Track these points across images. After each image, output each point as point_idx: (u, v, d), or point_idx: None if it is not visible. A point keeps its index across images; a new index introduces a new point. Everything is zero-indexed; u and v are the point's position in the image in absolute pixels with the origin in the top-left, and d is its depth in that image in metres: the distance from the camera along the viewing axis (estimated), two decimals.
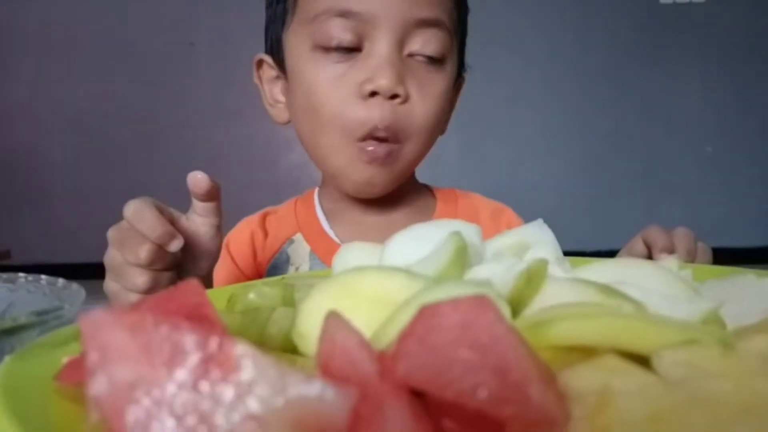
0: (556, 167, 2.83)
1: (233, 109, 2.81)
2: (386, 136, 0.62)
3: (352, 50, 0.62)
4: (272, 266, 0.73)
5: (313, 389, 0.14)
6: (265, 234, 0.74)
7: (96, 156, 2.99)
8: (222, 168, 2.69)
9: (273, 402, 0.14)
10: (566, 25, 2.85)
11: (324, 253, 0.70)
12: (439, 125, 0.67)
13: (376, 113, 0.61)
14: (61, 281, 0.31)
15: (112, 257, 0.47)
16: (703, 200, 2.99)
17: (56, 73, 2.97)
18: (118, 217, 0.48)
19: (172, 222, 0.49)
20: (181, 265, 0.51)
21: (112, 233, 0.48)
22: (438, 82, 0.64)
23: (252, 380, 0.14)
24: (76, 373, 0.21)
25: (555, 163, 2.82)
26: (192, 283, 0.21)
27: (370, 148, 0.63)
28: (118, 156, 2.97)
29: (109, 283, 0.48)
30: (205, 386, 0.14)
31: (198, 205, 0.51)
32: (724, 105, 2.96)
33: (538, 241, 0.37)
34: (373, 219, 0.72)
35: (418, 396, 0.17)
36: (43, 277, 0.32)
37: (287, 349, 0.26)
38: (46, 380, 0.22)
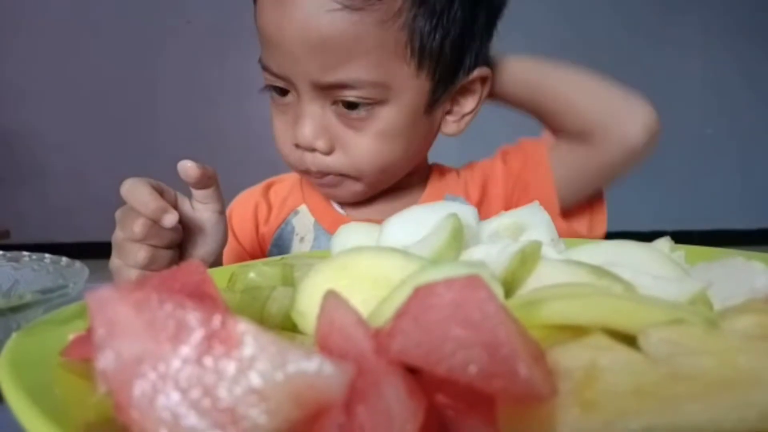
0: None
1: (231, 87, 2.80)
2: (321, 176, 0.63)
3: (288, 93, 0.61)
4: (278, 236, 0.73)
5: (311, 364, 0.15)
6: (269, 205, 0.74)
7: (95, 135, 2.98)
8: (221, 146, 2.69)
9: (273, 376, 0.15)
10: (567, 4, 2.83)
11: (329, 224, 0.70)
12: (393, 154, 0.62)
13: (306, 161, 0.62)
14: (64, 260, 0.31)
15: (115, 235, 0.49)
16: (703, 182, 2.99)
17: (54, 52, 2.95)
18: (117, 196, 0.48)
19: (174, 204, 0.50)
20: (185, 248, 0.52)
21: (117, 213, 0.49)
22: (369, 128, 0.59)
23: (253, 356, 0.15)
24: (81, 349, 0.22)
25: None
26: (194, 263, 0.22)
27: (313, 179, 0.64)
28: (117, 135, 2.96)
29: (114, 260, 0.49)
30: (208, 361, 0.15)
31: (196, 193, 0.52)
32: (725, 87, 2.95)
33: (533, 222, 0.38)
34: (379, 202, 0.71)
35: (412, 372, 0.18)
36: (46, 255, 0.32)
37: (287, 327, 0.27)
38: (52, 356, 0.23)
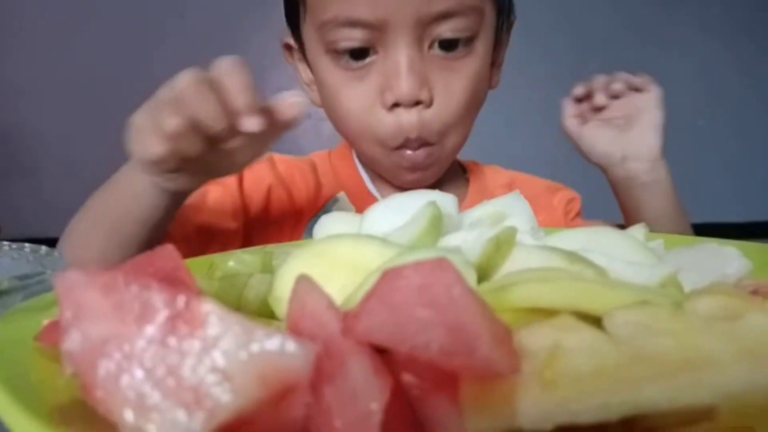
0: (549, 141, 2.82)
1: None
2: (420, 143, 0.60)
3: (367, 54, 0.57)
4: (313, 223, 0.69)
5: (274, 343, 0.15)
6: (288, 187, 0.68)
7: (88, 131, 2.96)
8: None
9: (237, 355, 0.15)
10: (565, 1, 2.83)
11: None
12: (476, 106, 0.63)
13: (404, 124, 0.57)
14: (44, 248, 0.32)
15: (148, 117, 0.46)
16: (695, 175, 3.00)
17: (47, 47, 2.93)
18: None
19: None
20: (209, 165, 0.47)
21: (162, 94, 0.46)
22: (465, 69, 0.59)
23: (217, 335, 0.15)
24: (55, 335, 0.22)
25: (549, 137, 2.82)
26: (168, 248, 0.22)
27: (408, 154, 0.60)
28: (110, 130, 2.94)
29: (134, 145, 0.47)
30: (172, 341, 0.15)
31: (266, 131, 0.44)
32: (717, 79, 2.96)
33: (513, 211, 0.38)
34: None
35: (380, 352, 0.18)
36: (26, 244, 0.32)
37: (264, 313, 0.27)
38: (27, 342, 0.23)
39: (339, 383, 0.17)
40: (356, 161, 0.71)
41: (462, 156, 0.76)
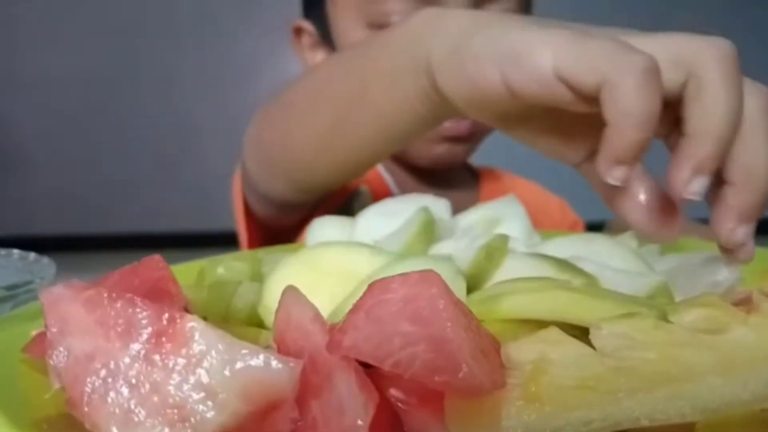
0: None
1: (216, 75, 2.77)
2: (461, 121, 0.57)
3: None
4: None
5: (258, 361, 0.15)
6: None
7: (79, 125, 2.95)
8: (203, 135, 2.67)
9: (221, 372, 0.15)
10: None
11: None
12: None
13: None
14: (32, 255, 0.31)
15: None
16: None
17: (34, 41, 2.91)
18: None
19: None
20: None
21: None
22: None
23: (201, 352, 0.15)
24: (42, 346, 0.22)
25: None
26: (155, 259, 0.22)
27: (448, 125, 0.58)
28: (102, 125, 2.93)
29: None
30: (157, 358, 0.15)
31: None
32: None
33: (508, 215, 0.38)
34: (431, 189, 0.66)
35: (367, 367, 0.18)
36: (14, 251, 0.32)
37: (253, 322, 0.27)
38: (15, 352, 0.23)
39: (325, 398, 0.17)
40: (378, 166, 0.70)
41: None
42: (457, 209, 0.39)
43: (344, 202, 0.65)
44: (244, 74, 2.54)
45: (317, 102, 0.43)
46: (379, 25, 0.56)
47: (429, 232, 0.32)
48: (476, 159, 0.80)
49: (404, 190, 0.67)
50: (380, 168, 0.68)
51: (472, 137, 0.61)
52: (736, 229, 0.25)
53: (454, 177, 0.69)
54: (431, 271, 0.18)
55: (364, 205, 0.65)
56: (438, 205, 0.37)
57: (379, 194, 0.65)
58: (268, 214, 0.56)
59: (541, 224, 0.67)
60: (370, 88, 0.39)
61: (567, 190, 0.81)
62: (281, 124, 0.47)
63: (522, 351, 0.18)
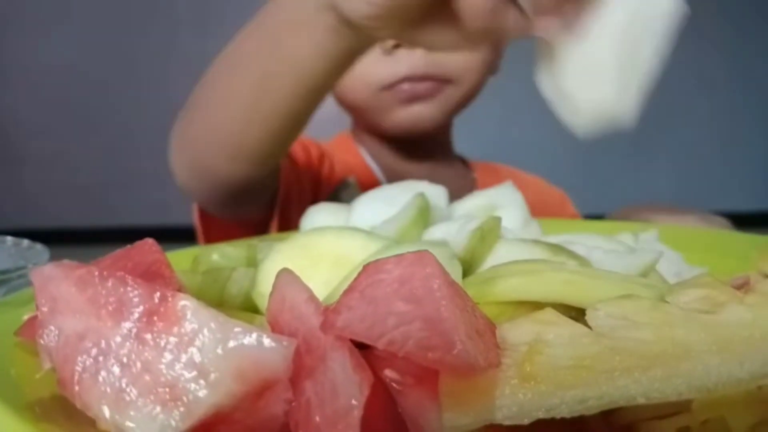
0: (547, 128, 2.81)
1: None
2: (424, 78, 0.58)
3: None
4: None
5: (250, 339, 0.15)
6: (312, 160, 0.65)
7: (74, 120, 2.94)
8: None
9: (213, 351, 0.15)
10: None
11: None
12: (489, 65, 0.61)
13: (402, 67, 0.56)
14: (26, 242, 0.31)
15: None
16: (696, 162, 3.00)
17: (30, 33, 2.89)
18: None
19: None
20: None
21: None
22: None
23: (193, 331, 0.15)
24: (34, 329, 0.22)
25: (546, 123, 2.80)
26: (148, 242, 0.22)
27: (406, 87, 0.59)
28: (97, 119, 2.92)
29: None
30: (148, 337, 0.15)
31: None
32: (720, 66, 2.94)
33: (506, 202, 0.38)
34: (421, 173, 0.67)
35: (362, 347, 0.18)
36: (8, 237, 0.32)
37: (248, 308, 0.27)
38: (8, 336, 0.23)
39: (319, 378, 0.17)
40: (362, 151, 0.71)
41: (461, 143, 0.76)
42: (452, 199, 0.39)
43: (332, 193, 0.65)
44: None
45: (238, 68, 0.44)
46: None
47: (424, 218, 0.32)
48: (476, 155, 0.80)
49: (391, 180, 0.67)
50: (367, 158, 0.69)
51: (433, 97, 0.60)
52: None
53: (445, 167, 0.69)
54: (426, 251, 0.18)
55: (352, 196, 0.65)
56: (434, 191, 0.37)
57: (367, 184, 0.66)
58: (225, 214, 0.55)
59: (540, 216, 0.67)
60: (281, 41, 0.41)
61: (564, 184, 0.81)
62: (209, 100, 0.47)
63: (517, 332, 0.18)
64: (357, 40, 0.39)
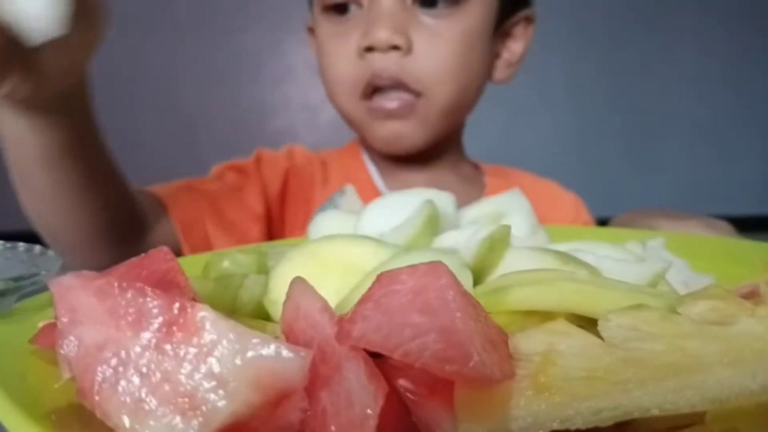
0: (548, 132, 2.82)
1: (218, 73, 2.77)
2: (391, 86, 0.59)
3: (356, 7, 0.59)
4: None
5: (269, 350, 0.15)
6: (302, 174, 0.68)
7: None
8: (205, 132, 2.67)
9: (232, 361, 0.15)
10: None
11: None
12: (467, 71, 0.61)
13: (376, 67, 0.58)
14: (38, 248, 0.31)
15: None
16: (696, 167, 3.00)
17: None
18: None
19: None
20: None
21: None
22: (454, 25, 0.58)
23: (212, 342, 0.15)
24: (50, 337, 0.22)
25: (547, 127, 2.81)
26: (163, 250, 0.22)
27: (376, 106, 0.60)
28: (101, 122, 2.92)
29: None
30: (168, 347, 0.15)
31: None
32: (720, 70, 2.94)
33: (513, 209, 0.38)
34: (423, 180, 0.68)
35: (376, 357, 0.18)
36: (20, 244, 0.32)
37: (259, 315, 0.27)
38: (23, 343, 0.23)
39: (335, 388, 0.17)
40: (364, 157, 0.71)
41: (467, 151, 0.76)
42: (459, 204, 0.39)
43: (327, 201, 0.66)
44: (247, 71, 2.54)
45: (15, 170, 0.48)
46: (324, 7, 0.61)
47: (433, 225, 0.32)
48: (479, 159, 0.80)
49: (392, 186, 0.68)
50: (369, 165, 0.70)
51: (407, 115, 0.61)
52: None
53: (450, 173, 0.70)
54: (439, 262, 0.18)
55: (348, 203, 0.66)
56: (442, 198, 0.37)
57: (365, 191, 0.66)
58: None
59: (552, 222, 0.67)
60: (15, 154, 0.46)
61: (575, 188, 0.80)
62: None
63: (530, 342, 0.18)
64: (22, 123, 0.42)
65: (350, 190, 0.68)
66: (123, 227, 0.52)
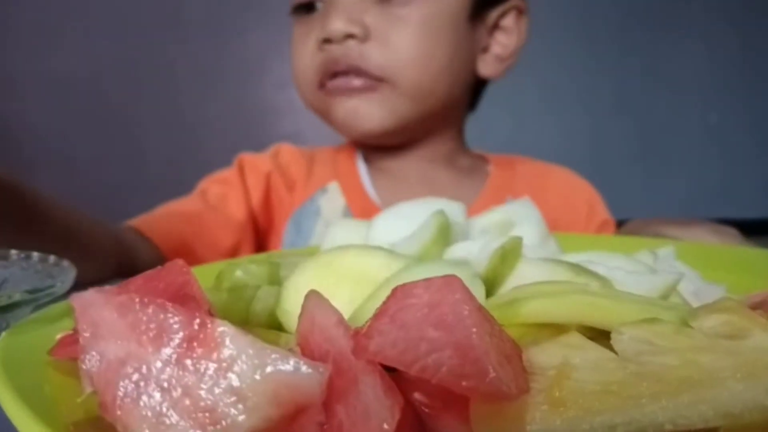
0: (555, 137, 2.81)
1: (222, 75, 2.78)
2: (349, 71, 0.59)
3: (321, 4, 0.59)
4: (299, 213, 0.66)
5: (288, 365, 0.15)
6: (286, 175, 0.68)
7: (83, 125, 2.95)
8: (213, 138, 2.68)
9: (251, 376, 0.15)
10: None
11: (359, 210, 0.65)
12: (434, 58, 0.60)
13: (333, 54, 0.58)
14: (52, 258, 0.32)
15: None
16: (706, 170, 2.99)
17: (42, 40, 2.91)
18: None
19: None
20: None
21: None
22: (413, 11, 0.58)
23: (232, 357, 0.16)
24: (68, 349, 0.22)
25: (553, 130, 2.81)
26: (179, 263, 0.22)
27: (335, 85, 0.60)
28: (107, 125, 2.94)
29: None
30: (188, 362, 0.16)
31: None
32: (730, 73, 2.93)
33: (523, 218, 0.38)
34: (414, 174, 0.67)
35: (391, 371, 0.18)
36: (34, 254, 0.32)
37: (272, 325, 0.27)
38: (40, 354, 0.24)
39: (351, 402, 0.17)
40: (357, 155, 0.72)
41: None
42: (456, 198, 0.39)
43: (310, 198, 0.66)
44: (251, 73, 2.55)
45: None
46: (293, 7, 0.62)
47: (445, 235, 0.32)
48: (500, 150, 0.79)
49: (379, 182, 0.68)
50: (358, 160, 0.70)
51: (367, 93, 0.60)
52: None
53: (444, 168, 0.69)
54: (454, 276, 0.19)
55: (331, 201, 0.66)
56: (453, 208, 0.37)
57: (350, 189, 0.67)
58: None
59: (564, 224, 0.67)
60: None
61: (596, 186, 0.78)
62: None
63: (545, 356, 0.18)
64: None
65: (333, 188, 0.68)
66: (119, 267, 0.52)
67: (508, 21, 0.65)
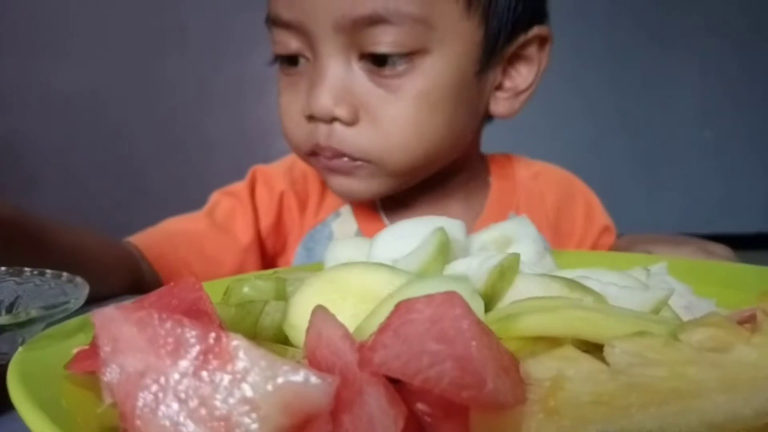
0: (552, 150, 2.82)
1: (226, 94, 2.80)
2: (333, 156, 0.54)
3: (305, 58, 0.53)
4: (310, 237, 0.63)
5: (298, 377, 0.16)
6: (300, 195, 0.64)
7: (86, 141, 2.97)
8: (214, 154, 2.70)
9: (264, 387, 0.16)
10: (565, 3, 2.84)
11: (372, 235, 0.61)
12: (430, 135, 0.54)
13: (317, 134, 0.53)
14: (65, 275, 0.33)
15: None
16: (702, 186, 3.00)
17: (45, 57, 2.94)
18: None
19: None
20: None
21: None
22: (409, 86, 0.51)
23: (245, 369, 0.17)
24: (84, 363, 0.23)
25: (551, 146, 2.82)
26: (191, 280, 0.23)
27: (322, 162, 0.56)
28: (109, 141, 2.95)
29: None
30: (204, 374, 0.17)
31: None
32: (725, 89, 2.96)
33: (521, 235, 0.39)
34: (427, 199, 0.63)
35: (394, 382, 0.19)
36: (47, 271, 0.33)
37: (279, 339, 0.28)
38: (57, 368, 0.24)
39: (356, 412, 0.18)
40: None
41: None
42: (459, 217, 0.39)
43: (323, 220, 0.65)
44: (255, 88, 2.57)
45: None
46: (275, 55, 0.56)
47: (445, 252, 0.33)
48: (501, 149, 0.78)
49: (389, 211, 0.65)
50: None
51: (351, 174, 0.56)
52: None
53: (450, 196, 0.66)
54: (454, 291, 0.20)
55: (343, 229, 0.65)
56: (452, 225, 0.38)
57: (364, 216, 0.64)
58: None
59: (563, 231, 0.66)
60: None
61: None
62: None
63: (540, 367, 0.19)
64: None
65: (346, 212, 0.68)
66: (126, 285, 0.53)
67: (530, 51, 0.58)
